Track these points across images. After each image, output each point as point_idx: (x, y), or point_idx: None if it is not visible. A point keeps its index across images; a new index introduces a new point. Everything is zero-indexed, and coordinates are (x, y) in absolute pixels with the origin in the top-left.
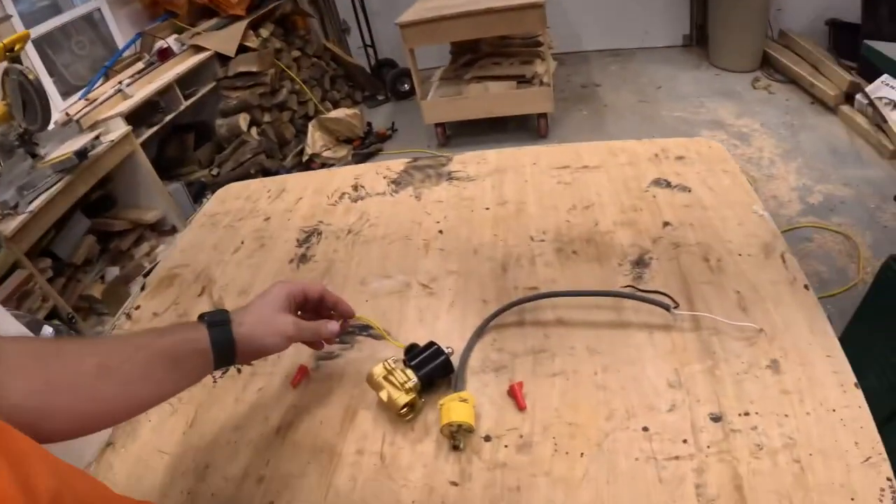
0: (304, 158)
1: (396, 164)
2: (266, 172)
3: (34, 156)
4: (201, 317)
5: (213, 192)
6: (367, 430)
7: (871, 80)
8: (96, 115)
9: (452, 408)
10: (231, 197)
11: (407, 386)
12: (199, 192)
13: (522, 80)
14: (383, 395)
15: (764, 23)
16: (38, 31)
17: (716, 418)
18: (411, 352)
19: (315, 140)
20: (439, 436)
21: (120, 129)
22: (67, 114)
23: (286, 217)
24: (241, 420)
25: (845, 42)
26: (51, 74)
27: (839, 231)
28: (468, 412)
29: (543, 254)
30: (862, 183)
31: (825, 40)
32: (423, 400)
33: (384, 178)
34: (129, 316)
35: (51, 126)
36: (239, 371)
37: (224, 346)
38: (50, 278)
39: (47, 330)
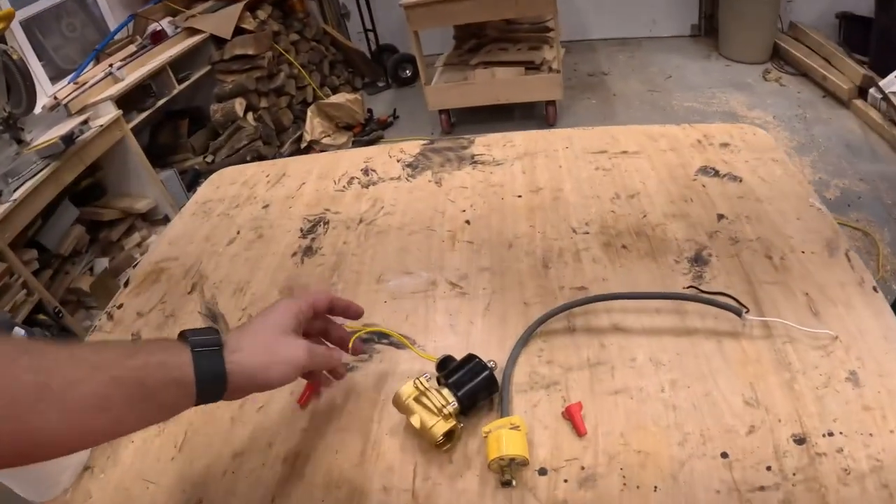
0: (303, 145)
1: (411, 146)
2: (262, 160)
3: (19, 141)
4: (183, 334)
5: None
6: (393, 462)
7: (883, 74)
8: (85, 99)
9: (502, 438)
10: (226, 182)
11: (446, 411)
12: (192, 180)
13: (531, 67)
14: (415, 420)
15: (775, 14)
16: (26, 12)
17: (799, 440)
18: (446, 366)
19: (314, 126)
20: (484, 468)
21: (110, 113)
22: (55, 97)
23: (288, 204)
24: (240, 445)
25: (856, 36)
26: (40, 58)
27: (858, 227)
28: (521, 442)
29: (589, 248)
30: (878, 178)
31: (835, 34)
32: (463, 425)
33: (398, 161)
34: (110, 316)
35: (37, 110)
36: None
37: (212, 377)
38: (36, 271)
39: (18, 332)
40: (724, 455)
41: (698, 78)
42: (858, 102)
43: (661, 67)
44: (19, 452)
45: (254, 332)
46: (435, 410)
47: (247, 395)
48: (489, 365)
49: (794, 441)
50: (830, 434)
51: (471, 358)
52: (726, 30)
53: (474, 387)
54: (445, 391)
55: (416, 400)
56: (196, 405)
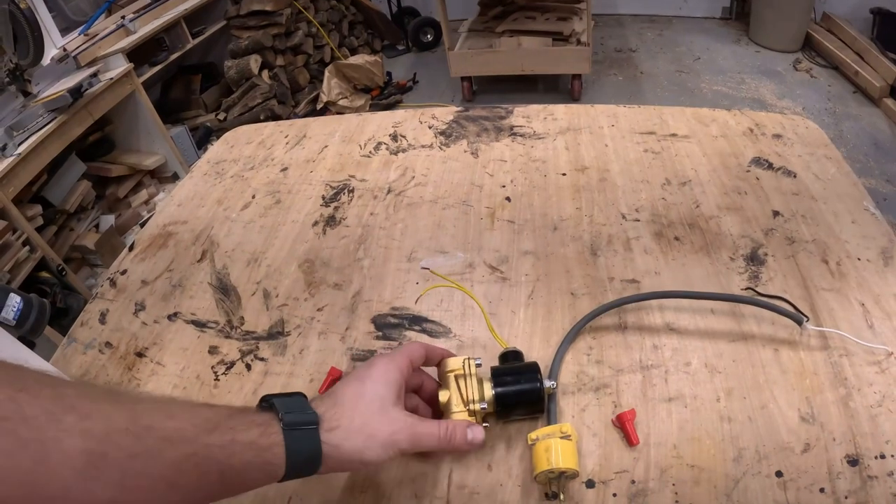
0: (319, 106)
1: (443, 112)
2: (276, 119)
3: (26, 93)
4: (270, 403)
5: (219, 137)
6: (425, 467)
7: None
8: (96, 52)
9: (552, 448)
10: (241, 141)
11: (472, 407)
12: (203, 138)
13: (558, 38)
14: (443, 396)
15: (810, 3)
16: None
17: (852, 462)
18: (507, 360)
19: (331, 87)
20: (527, 477)
21: (120, 66)
22: (64, 49)
23: (308, 168)
24: None
25: (890, 32)
26: (50, 9)
27: None
28: (573, 454)
29: (640, 237)
30: None
31: (868, 29)
32: (488, 425)
33: (430, 127)
34: (113, 283)
35: (46, 62)
36: (249, 368)
37: (306, 459)
38: (39, 227)
39: (14, 300)
40: (779, 474)
41: (728, 62)
42: (889, 101)
43: (690, 48)
44: None
45: (352, 405)
46: (466, 400)
47: (335, 472)
48: (545, 383)
49: (848, 462)
50: (882, 457)
51: (530, 368)
52: (759, 15)
53: (516, 398)
54: (487, 386)
55: (457, 378)
56: (280, 482)
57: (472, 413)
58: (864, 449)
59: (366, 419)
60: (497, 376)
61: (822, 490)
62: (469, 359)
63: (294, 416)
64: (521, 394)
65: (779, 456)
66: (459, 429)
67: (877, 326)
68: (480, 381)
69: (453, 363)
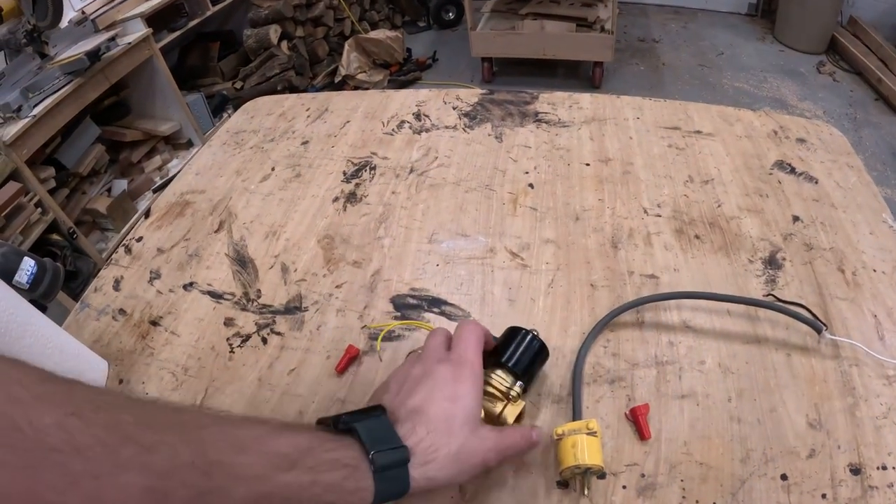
0: (337, 79)
1: (467, 94)
2: (294, 90)
3: (43, 55)
4: (346, 424)
5: (235, 106)
6: None
7: None
8: (114, 15)
9: (579, 444)
10: (261, 112)
11: (513, 393)
12: (219, 106)
13: (582, 24)
14: None
15: (838, 5)
16: None
17: (855, 470)
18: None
19: (350, 61)
20: (538, 464)
21: (139, 31)
22: (83, 12)
23: (330, 143)
24: (267, 409)
25: None
26: None
27: None
28: (598, 450)
29: (661, 233)
30: None
31: (894, 36)
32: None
33: (454, 108)
34: (128, 249)
35: (63, 24)
36: (265, 342)
37: (393, 494)
38: (52, 189)
39: (28, 263)
40: (784, 477)
41: (751, 59)
42: None
43: (714, 43)
44: None
45: (446, 432)
46: (498, 394)
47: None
48: (533, 332)
49: (851, 471)
50: (884, 468)
51: (514, 332)
52: (785, 14)
53: (531, 358)
54: (499, 372)
55: None
56: None
57: (515, 399)
58: (867, 459)
59: (461, 445)
60: (497, 355)
61: (823, 496)
62: None
63: (385, 455)
64: (528, 350)
65: (785, 459)
66: (530, 433)
67: (888, 339)
68: (492, 370)
69: None
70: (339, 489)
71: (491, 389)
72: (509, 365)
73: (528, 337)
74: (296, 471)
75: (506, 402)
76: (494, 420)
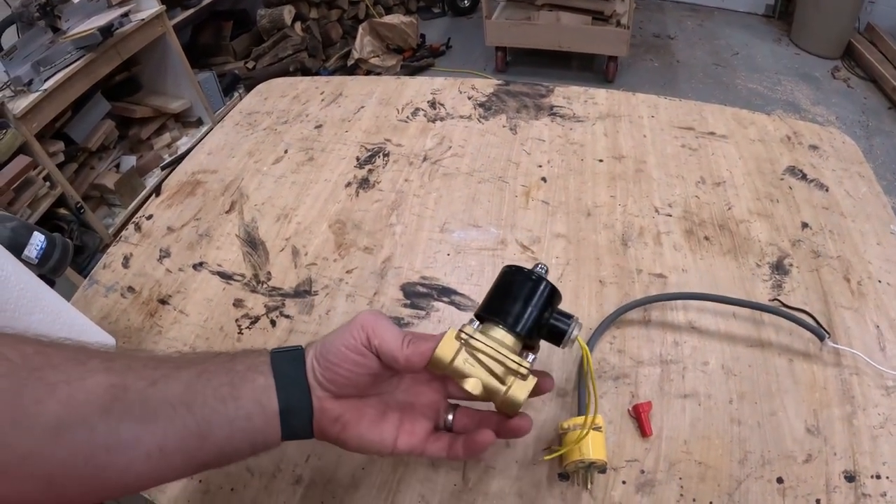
0: (350, 62)
1: (483, 84)
2: (306, 72)
3: (55, 29)
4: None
5: (246, 86)
6: None
7: None
8: None
9: (585, 440)
10: (275, 94)
11: (522, 369)
12: (230, 85)
13: (598, 17)
14: (472, 386)
15: (856, 11)
16: None
17: (850, 478)
18: (489, 307)
19: (364, 44)
20: (539, 455)
21: (153, 7)
22: None
23: (343, 128)
24: None
25: None
26: None
27: None
28: (603, 446)
29: (671, 232)
30: None
31: None
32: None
33: (469, 98)
34: (138, 227)
35: None
36: (273, 324)
37: (290, 359)
38: (60, 163)
39: (37, 238)
40: (780, 480)
41: (766, 61)
42: None
43: (729, 42)
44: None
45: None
46: (500, 368)
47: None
48: (537, 271)
49: (845, 478)
50: (878, 477)
51: (514, 275)
52: (802, 17)
53: (541, 312)
54: (500, 333)
55: (470, 353)
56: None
57: (525, 375)
58: (861, 467)
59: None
60: (494, 310)
61: (818, 501)
62: (461, 330)
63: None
64: (537, 303)
65: (781, 463)
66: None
67: (888, 350)
68: (491, 327)
69: (446, 351)
70: (251, 354)
71: (488, 361)
72: (516, 329)
73: (522, 279)
74: (220, 356)
75: (514, 377)
76: (502, 400)
